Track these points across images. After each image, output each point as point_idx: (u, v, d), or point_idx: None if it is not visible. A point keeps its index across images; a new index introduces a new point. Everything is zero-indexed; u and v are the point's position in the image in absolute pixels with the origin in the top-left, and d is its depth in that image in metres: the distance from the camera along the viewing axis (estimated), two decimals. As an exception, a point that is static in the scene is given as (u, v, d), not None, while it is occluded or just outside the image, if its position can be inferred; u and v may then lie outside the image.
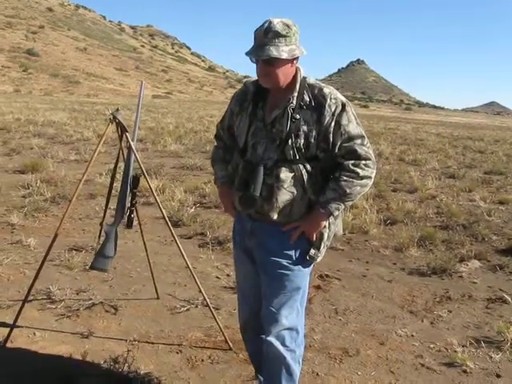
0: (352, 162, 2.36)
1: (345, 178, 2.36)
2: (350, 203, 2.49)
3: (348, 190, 2.36)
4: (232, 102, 2.62)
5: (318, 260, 2.54)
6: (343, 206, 2.43)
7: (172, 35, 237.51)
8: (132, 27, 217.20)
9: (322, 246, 2.51)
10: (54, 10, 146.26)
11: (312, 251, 2.49)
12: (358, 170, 2.36)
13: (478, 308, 4.56)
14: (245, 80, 2.62)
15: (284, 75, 2.33)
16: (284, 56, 2.24)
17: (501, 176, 12.81)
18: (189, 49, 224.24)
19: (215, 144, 2.85)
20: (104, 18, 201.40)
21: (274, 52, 2.21)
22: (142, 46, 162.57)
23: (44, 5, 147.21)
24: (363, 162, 2.37)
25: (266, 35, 2.23)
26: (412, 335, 3.96)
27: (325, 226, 2.47)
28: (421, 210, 8.02)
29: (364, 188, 2.42)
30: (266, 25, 2.24)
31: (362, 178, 2.37)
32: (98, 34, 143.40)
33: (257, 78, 2.43)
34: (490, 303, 4.66)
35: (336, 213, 2.44)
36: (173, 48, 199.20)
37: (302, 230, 2.44)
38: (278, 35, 2.22)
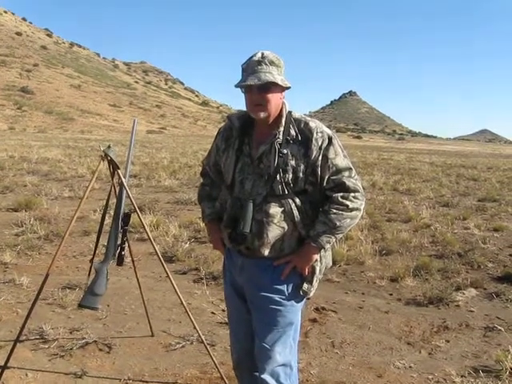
0: (341, 194, 2.37)
1: (334, 210, 2.36)
2: (341, 236, 2.48)
3: (338, 223, 2.36)
4: (217, 138, 2.62)
5: (311, 294, 2.53)
6: (334, 239, 2.42)
7: (165, 71, 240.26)
8: (126, 64, 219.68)
9: (314, 280, 2.49)
10: (48, 48, 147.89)
11: (305, 286, 2.48)
12: (347, 203, 2.36)
13: (475, 337, 4.53)
14: (228, 114, 2.63)
15: (275, 105, 2.35)
16: (279, 82, 2.28)
17: (494, 203, 12.86)
18: (182, 84, 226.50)
19: (201, 181, 2.84)
20: (98, 55, 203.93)
21: (270, 77, 2.26)
22: (136, 82, 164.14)
23: (38, 43, 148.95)
24: (352, 194, 2.38)
25: (259, 63, 2.27)
26: (410, 367, 3.92)
27: (316, 260, 2.45)
28: (416, 240, 8.01)
29: (354, 220, 2.42)
30: (259, 54, 2.30)
31: (352, 210, 2.38)
32: (92, 71, 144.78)
33: (242, 111, 2.45)
34: (487, 331, 4.63)
35: (327, 246, 2.43)
36: (166, 84, 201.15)
37: (294, 265, 2.43)
38: (272, 63, 2.29)
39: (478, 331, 4.65)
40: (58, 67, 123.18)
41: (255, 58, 2.29)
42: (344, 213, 2.36)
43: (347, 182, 2.37)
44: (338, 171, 2.37)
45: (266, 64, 2.27)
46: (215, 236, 2.68)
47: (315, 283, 2.51)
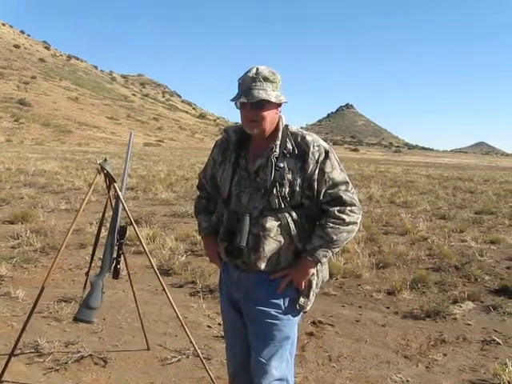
0: (337, 208, 2.37)
1: (331, 224, 2.36)
2: (338, 249, 2.48)
3: (335, 237, 2.36)
4: (214, 152, 2.61)
5: (308, 308, 2.52)
6: (330, 253, 2.42)
7: (163, 83, 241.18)
8: (123, 76, 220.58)
9: (311, 294, 2.48)
10: (46, 60, 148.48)
11: (302, 300, 2.47)
12: (344, 216, 2.36)
13: (473, 350, 4.51)
14: (225, 128, 2.63)
15: (270, 121, 2.35)
16: (273, 99, 2.27)
17: (491, 216, 12.87)
18: (179, 97, 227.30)
19: (198, 194, 2.84)
20: (95, 67, 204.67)
21: (263, 94, 2.24)
22: (133, 94, 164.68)
23: (36, 55, 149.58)
24: (348, 208, 2.38)
25: (253, 80, 2.26)
26: (407, 380, 3.90)
27: (313, 274, 2.45)
28: (413, 253, 7.99)
29: (350, 234, 2.41)
30: (254, 70, 2.28)
31: (348, 223, 2.37)
32: (89, 84, 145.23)
33: (238, 124, 2.45)
34: (484, 345, 4.61)
35: (324, 260, 2.42)
36: (163, 96, 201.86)
37: (290, 279, 2.42)
38: (266, 80, 2.27)
39: (476, 344, 4.63)
40: (56, 80, 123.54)
41: (250, 75, 2.28)
42: (341, 227, 2.36)
43: (344, 196, 2.37)
44: (335, 185, 2.37)
45: (260, 81, 2.26)
46: (212, 249, 2.67)
47: (312, 297, 2.50)
